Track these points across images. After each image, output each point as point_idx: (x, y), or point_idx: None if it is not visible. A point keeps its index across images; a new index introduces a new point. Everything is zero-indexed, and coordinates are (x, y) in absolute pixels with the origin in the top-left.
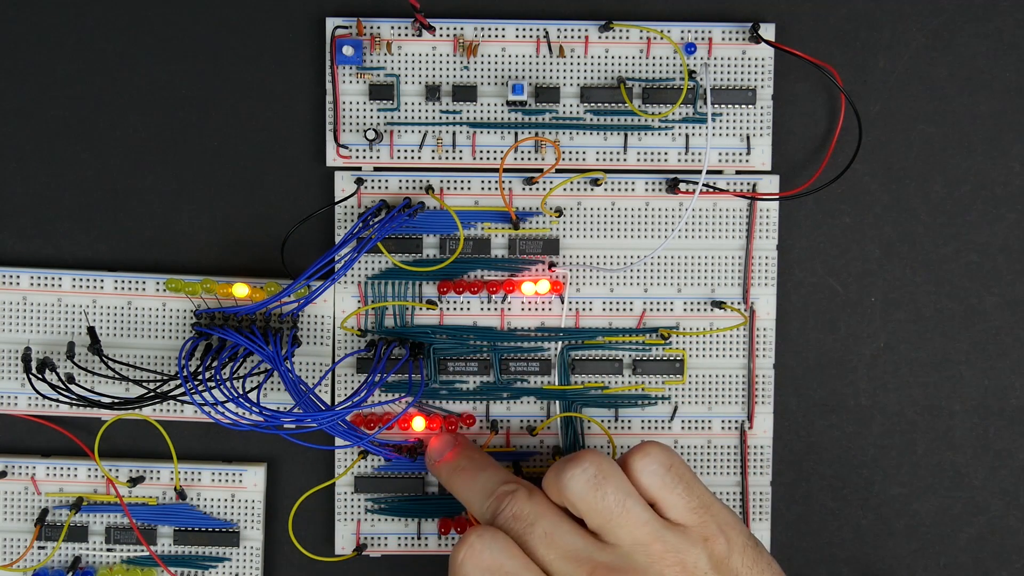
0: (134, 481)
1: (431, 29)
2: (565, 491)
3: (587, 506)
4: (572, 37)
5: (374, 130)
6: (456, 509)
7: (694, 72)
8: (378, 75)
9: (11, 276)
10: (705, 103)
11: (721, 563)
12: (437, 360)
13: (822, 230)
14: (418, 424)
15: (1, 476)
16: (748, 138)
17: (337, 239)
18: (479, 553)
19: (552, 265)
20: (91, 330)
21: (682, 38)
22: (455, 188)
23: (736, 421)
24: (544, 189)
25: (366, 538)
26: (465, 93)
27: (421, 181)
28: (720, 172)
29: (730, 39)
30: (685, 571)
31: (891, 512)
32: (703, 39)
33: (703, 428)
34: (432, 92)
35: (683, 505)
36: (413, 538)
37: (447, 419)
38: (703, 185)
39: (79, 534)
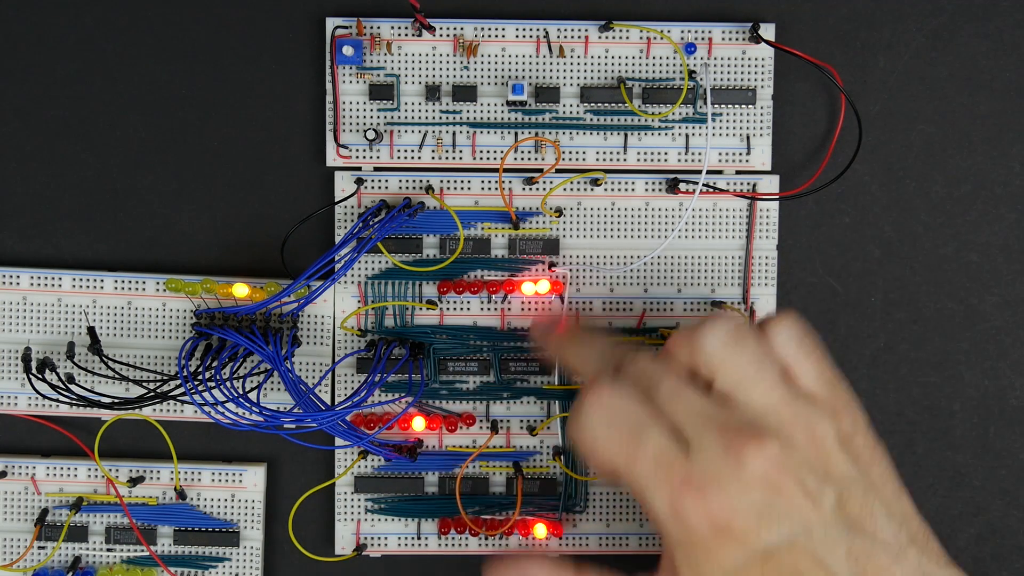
0: (134, 481)
1: (431, 29)
2: (701, 346)
3: (721, 361)
4: (572, 37)
5: (374, 130)
6: (456, 509)
7: (694, 72)
8: (378, 75)
9: (11, 276)
10: (705, 103)
11: (847, 440)
12: (437, 360)
13: (822, 230)
14: (418, 424)
15: (1, 476)
16: (748, 138)
17: (337, 239)
18: (609, 398)
19: (552, 265)
20: (91, 330)
21: (682, 38)
22: (455, 188)
23: None
24: (544, 189)
25: (366, 538)
26: (465, 93)
27: (421, 181)
28: (720, 172)
29: (730, 39)
30: (814, 441)
31: None
32: (703, 39)
33: None
34: (432, 92)
35: (816, 374)
36: (413, 538)
37: (447, 419)
38: (703, 185)
39: (79, 534)
